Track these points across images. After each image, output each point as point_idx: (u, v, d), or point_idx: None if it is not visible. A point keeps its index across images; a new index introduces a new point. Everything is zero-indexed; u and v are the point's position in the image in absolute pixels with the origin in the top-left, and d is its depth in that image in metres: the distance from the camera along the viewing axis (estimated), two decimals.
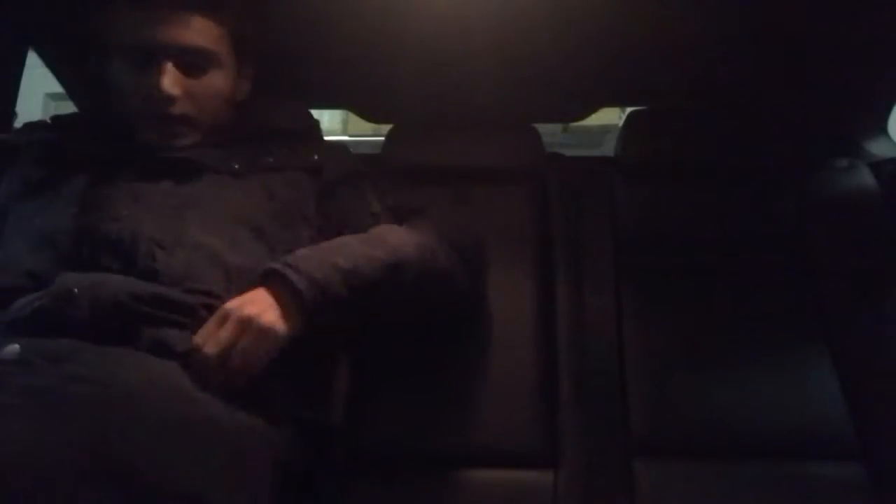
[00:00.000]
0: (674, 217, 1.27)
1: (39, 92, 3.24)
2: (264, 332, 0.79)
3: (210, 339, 0.78)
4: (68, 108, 1.34)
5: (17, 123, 1.38)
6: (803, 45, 1.26)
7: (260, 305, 0.80)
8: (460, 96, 1.38)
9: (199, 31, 0.96)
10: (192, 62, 0.96)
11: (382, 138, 1.37)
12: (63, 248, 0.87)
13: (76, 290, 0.79)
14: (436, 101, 1.41)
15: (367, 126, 1.70)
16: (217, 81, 0.99)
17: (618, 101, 1.81)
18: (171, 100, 0.94)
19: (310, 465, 0.91)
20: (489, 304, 1.13)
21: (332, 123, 3.12)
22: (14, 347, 0.73)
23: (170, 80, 0.94)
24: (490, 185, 1.28)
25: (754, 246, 1.23)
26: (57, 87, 1.35)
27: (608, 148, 1.95)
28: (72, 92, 1.38)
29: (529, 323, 1.15)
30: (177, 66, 0.95)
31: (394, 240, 0.91)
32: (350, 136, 3.02)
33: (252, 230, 0.93)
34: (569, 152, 1.44)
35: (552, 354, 1.13)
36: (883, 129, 1.40)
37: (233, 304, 0.81)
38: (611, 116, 2.55)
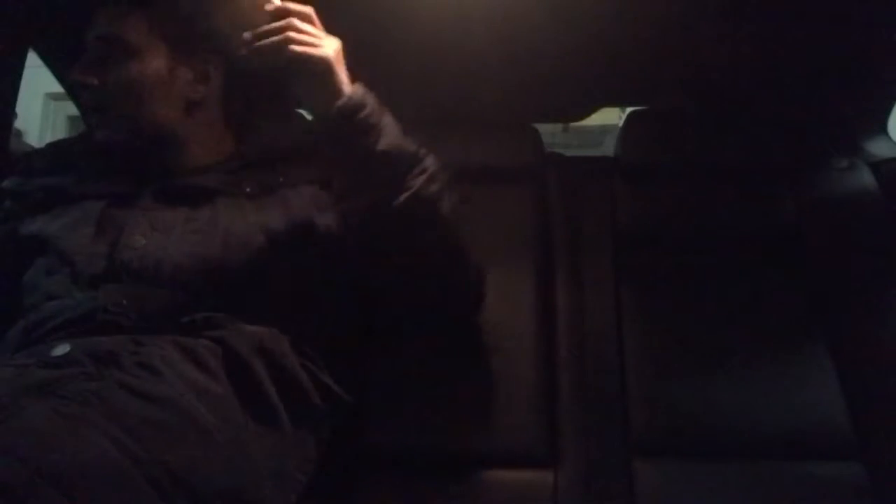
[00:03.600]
0: (674, 217, 1.27)
1: (39, 92, 3.24)
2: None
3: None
4: (68, 108, 1.34)
5: (18, 123, 1.38)
6: (803, 44, 1.26)
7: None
8: (460, 96, 1.38)
9: (117, 23, 0.97)
10: (104, 50, 0.97)
11: None
12: (82, 270, 0.88)
13: (125, 301, 0.83)
14: (436, 101, 1.41)
15: None
16: (133, 70, 0.97)
17: (618, 101, 1.81)
18: (83, 86, 0.97)
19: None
20: (489, 305, 1.13)
21: None
22: (64, 347, 0.77)
23: (79, 66, 0.97)
24: (490, 185, 1.27)
25: (754, 246, 1.23)
26: (57, 87, 1.35)
27: (608, 148, 1.95)
28: (72, 92, 1.38)
29: (529, 323, 1.14)
30: (92, 54, 0.97)
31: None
32: None
33: (276, 252, 0.93)
34: (569, 152, 1.44)
35: (552, 354, 1.13)
36: (883, 129, 1.40)
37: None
38: (611, 116, 2.55)
